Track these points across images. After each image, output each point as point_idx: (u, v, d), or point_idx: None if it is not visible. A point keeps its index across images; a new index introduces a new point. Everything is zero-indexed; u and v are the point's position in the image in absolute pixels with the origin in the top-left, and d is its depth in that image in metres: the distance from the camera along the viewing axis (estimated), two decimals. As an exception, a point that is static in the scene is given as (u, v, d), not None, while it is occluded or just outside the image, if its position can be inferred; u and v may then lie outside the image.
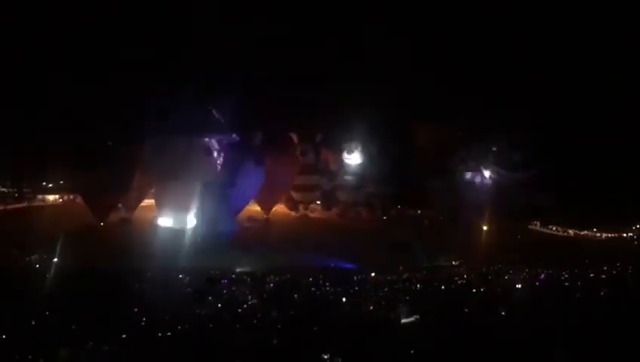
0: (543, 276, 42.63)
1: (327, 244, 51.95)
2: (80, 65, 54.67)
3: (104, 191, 54.44)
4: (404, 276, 41.85)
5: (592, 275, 44.86)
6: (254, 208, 64.61)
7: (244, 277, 38.38)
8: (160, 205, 56.89)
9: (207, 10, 58.41)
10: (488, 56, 63.77)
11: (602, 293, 39.50)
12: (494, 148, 64.49)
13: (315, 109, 62.12)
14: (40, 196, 65.10)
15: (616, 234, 67.11)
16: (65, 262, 40.08)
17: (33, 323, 27.77)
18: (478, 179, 65.06)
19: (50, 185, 65.68)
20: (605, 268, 47.41)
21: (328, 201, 68.72)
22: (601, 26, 61.53)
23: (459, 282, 41.17)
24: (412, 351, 27.48)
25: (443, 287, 39.18)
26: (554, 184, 59.23)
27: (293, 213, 68.41)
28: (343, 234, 59.21)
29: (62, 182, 64.72)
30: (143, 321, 28.94)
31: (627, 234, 67.11)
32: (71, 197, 65.96)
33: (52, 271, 38.46)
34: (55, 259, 40.34)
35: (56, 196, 66.50)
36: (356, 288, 37.63)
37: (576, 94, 61.76)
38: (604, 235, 67.34)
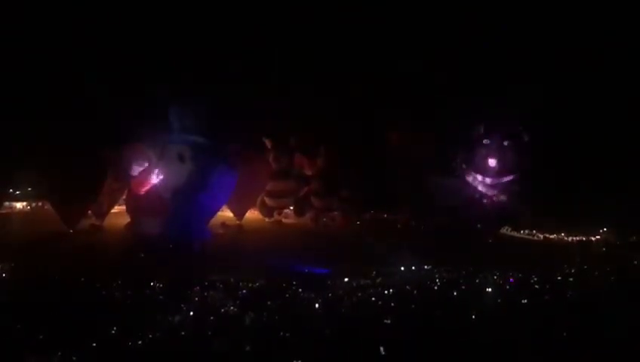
0: (512, 280, 43.35)
1: (300, 250, 51.95)
2: (50, 68, 53.68)
3: (74, 198, 53.58)
4: (378, 281, 42.10)
5: (559, 278, 45.91)
6: (227, 214, 64.29)
7: (217, 284, 38.07)
8: (131, 211, 56.22)
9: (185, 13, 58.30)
10: (465, 58, 64.01)
11: (569, 295, 40.48)
12: (470, 152, 65.06)
13: (289, 114, 62.07)
14: (7, 203, 63.52)
15: (584, 238, 68.50)
16: (33, 270, 39.29)
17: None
18: (452, 184, 65.66)
19: (18, 192, 64.17)
20: (573, 270, 48.61)
21: (302, 207, 68.59)
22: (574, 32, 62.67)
23: (431, 286, 41.60)
24: (385, 355, 27.75)
25: (415, 292, 39.51)
26: (528, 189, 60.32)
27: (266, 219, 68.17)
28: (316, 239, 59.23)
29: (30, 188, 63.26)
30: (114, 330, 28.58)
31: (594, 237, 68.58)
32: (39, 204, 64.72)
33: (20, 279, 37.75)
34: (23, 267, 39.49)
35: (24, 203, 65.09)
36: (329, 294, 37.73)
37: (551, 101, 62.47)
38: (572, 238, 68.69)
